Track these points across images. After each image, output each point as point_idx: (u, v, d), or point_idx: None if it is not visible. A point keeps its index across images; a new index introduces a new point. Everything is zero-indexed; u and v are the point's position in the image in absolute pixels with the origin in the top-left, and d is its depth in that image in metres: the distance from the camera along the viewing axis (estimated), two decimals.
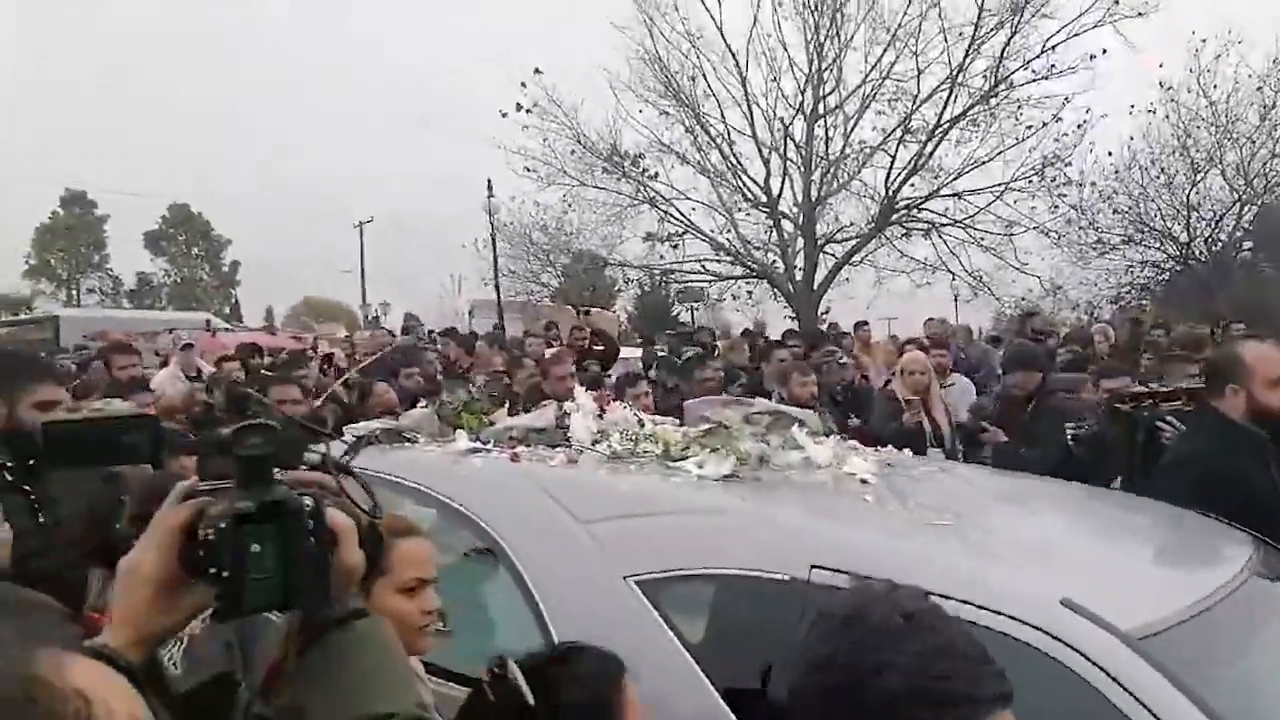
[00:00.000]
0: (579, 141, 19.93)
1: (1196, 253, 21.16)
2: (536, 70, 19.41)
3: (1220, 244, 21.20)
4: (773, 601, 2.00)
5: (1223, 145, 19.75)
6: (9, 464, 2.74)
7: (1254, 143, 19.53)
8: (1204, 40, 18.78)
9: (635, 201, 20.74)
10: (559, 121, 19.71)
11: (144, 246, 52.43)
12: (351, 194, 70.49)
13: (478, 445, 2.98)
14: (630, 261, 22.42)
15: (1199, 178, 20.29)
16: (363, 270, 41.97)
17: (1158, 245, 21.48)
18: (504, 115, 19.47)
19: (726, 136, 20.11)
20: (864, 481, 2.61)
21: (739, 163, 20.26)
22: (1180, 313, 18.59)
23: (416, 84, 73.90)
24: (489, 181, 24.17)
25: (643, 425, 3.09)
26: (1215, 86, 19.17)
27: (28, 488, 2.78)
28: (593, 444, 2.93)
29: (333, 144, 76.35)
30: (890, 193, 19.52)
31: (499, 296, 24.88)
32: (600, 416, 3.17)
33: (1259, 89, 19.04)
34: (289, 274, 55.61)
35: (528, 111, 19.52)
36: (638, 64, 19.75)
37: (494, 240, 23.64)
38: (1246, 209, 20.56)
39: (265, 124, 73.83)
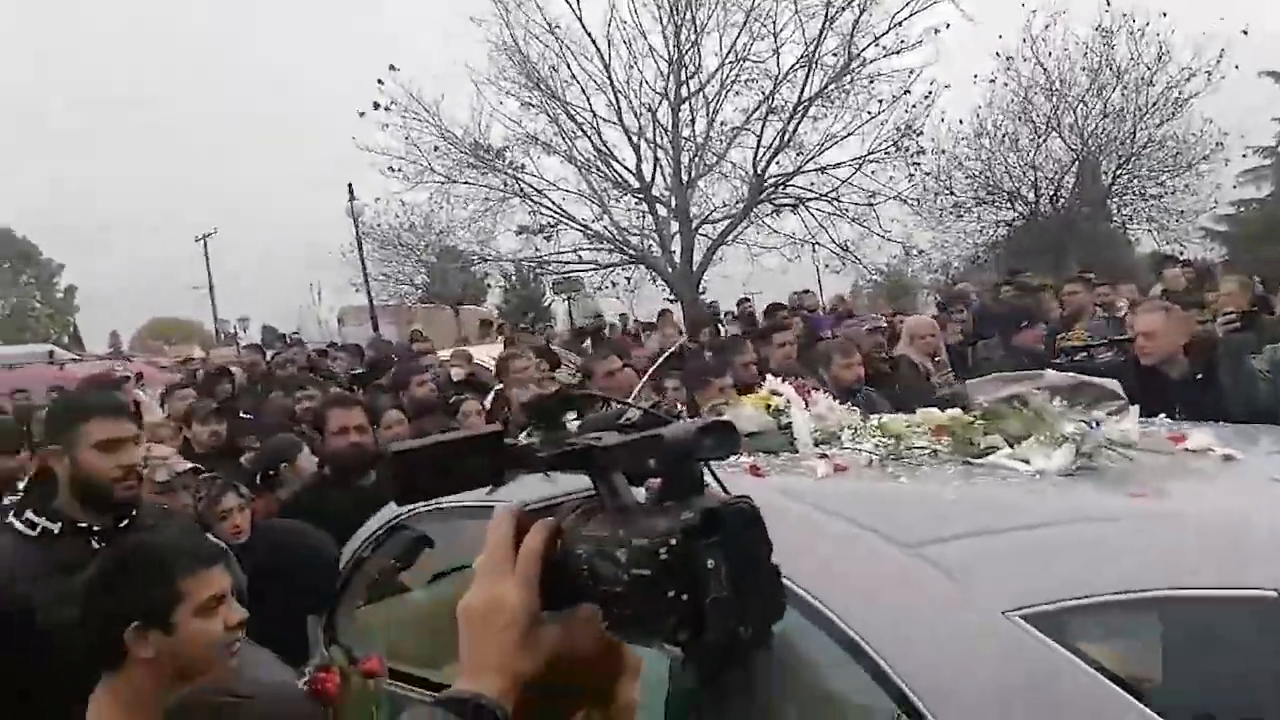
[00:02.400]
0: (443, 138, 19.44)
1: (1043, 210, 22.51)
2: (392, 67, 18.82)
3: (1063, 200, 22.59)
4: (1246, 626, 1.54)
5: (1059, 109, 21.07)
6: (93, 527, 2.36)
7: (1086, 105, 20.91)
8: (1034, 11, 19.99)
9: (505, 195, 20.42)
10: (420, 119, 19.17)
11: None
12: (198, 207, 66.54)
13: None
14: (504, 255, 22.10)
15: (1041, 140, 21.62)
16: (211, 285, 39.75)
17: (1008, 205, 22.76)
18: (362, 115, 18.80)
19: (593, 124, 20.04)
20: (1227, 458, 2.07)
21: (608, 150, 20.23)
22: (1029, 267, 19.80)
23: (269, 86, 70.44)
24: (349, 185, 23.26)
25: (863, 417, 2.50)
26: (1050, 54, 20.44)
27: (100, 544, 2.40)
28: (817, 444, 2.37)
29: (176, 157, 71.90)
30: (758, 171, 19.89)
31: (371, 301, 24.08)
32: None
33: (1085, 54, 20.40)
34: (133, 296, 52.05)
35: (386, 109, 18.91)
36: (498, 56, 19.43)
37: (360, 244, 22.82)
38: (1084, 167, 21.97)
39: (96, 139, 68.95)
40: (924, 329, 5.81)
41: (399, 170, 19.42)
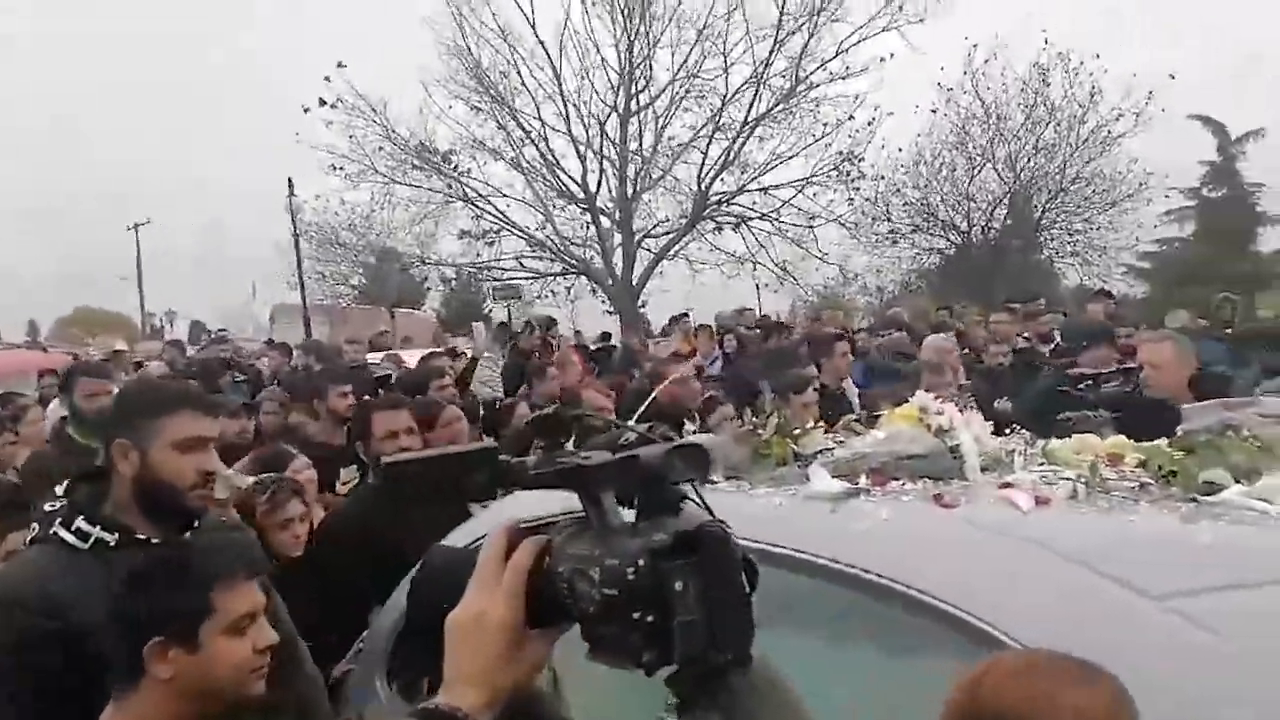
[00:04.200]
0: (388, 138, 19.25)
1: (975, 240, 23.13)
2: (340, 64, 18.60)
3: (994, 231, 23.25)
4: None
5: (994, 142, 21.71)
6: (151, 538, 2.02)
7: (1020, 139, 21.59)
8: (975, 45, 20.59)
9: (449, 198, 20.29)
10: (366, 117, 18.96)
11: None
12: (132, 195, 64.46)
13: (845, 484, 2.03)
14: (445, 259, 21.92)
15: (976, 171, 22.24)
16: (140, 276, 38.54)
17: (942, 234, 23.34)
18: (306, 111, 18.54)
19: (541, 132, 20.05)
20: None
21: (554, 158, 20.25)
22: (959, 295, 20.35)
23: (213, 71, 68.63)
24: (289, 180, 22.80)
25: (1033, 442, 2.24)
26: (988, 89, 21.07)
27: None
28: (983, 469, 2.10)
29: (115, 142, 69.69)
30: (702, 188, 20.09)
31: (304, 300, 23.61)
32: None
33: (1022, 90, 21.07)
34: (55, 285, 50.17)
35: (332, 107, 18.67)
36: (449, 59, 19.32)
37: (297, 242, 22.37)
38: (1016, 200, 22.65)
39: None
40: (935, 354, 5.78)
41: (341, 168, 19.19)
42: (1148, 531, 1.70)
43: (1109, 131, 20.80)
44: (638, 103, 19.94)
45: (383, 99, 18.91)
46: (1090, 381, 3.76)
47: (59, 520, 1.98)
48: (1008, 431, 2.23)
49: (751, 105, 19.47)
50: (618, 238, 20.48)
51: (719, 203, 20.56)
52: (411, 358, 8.85)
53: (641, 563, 0.76)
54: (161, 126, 75.36)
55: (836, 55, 19.06)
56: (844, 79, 19.18)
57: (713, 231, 21.14)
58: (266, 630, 1.74)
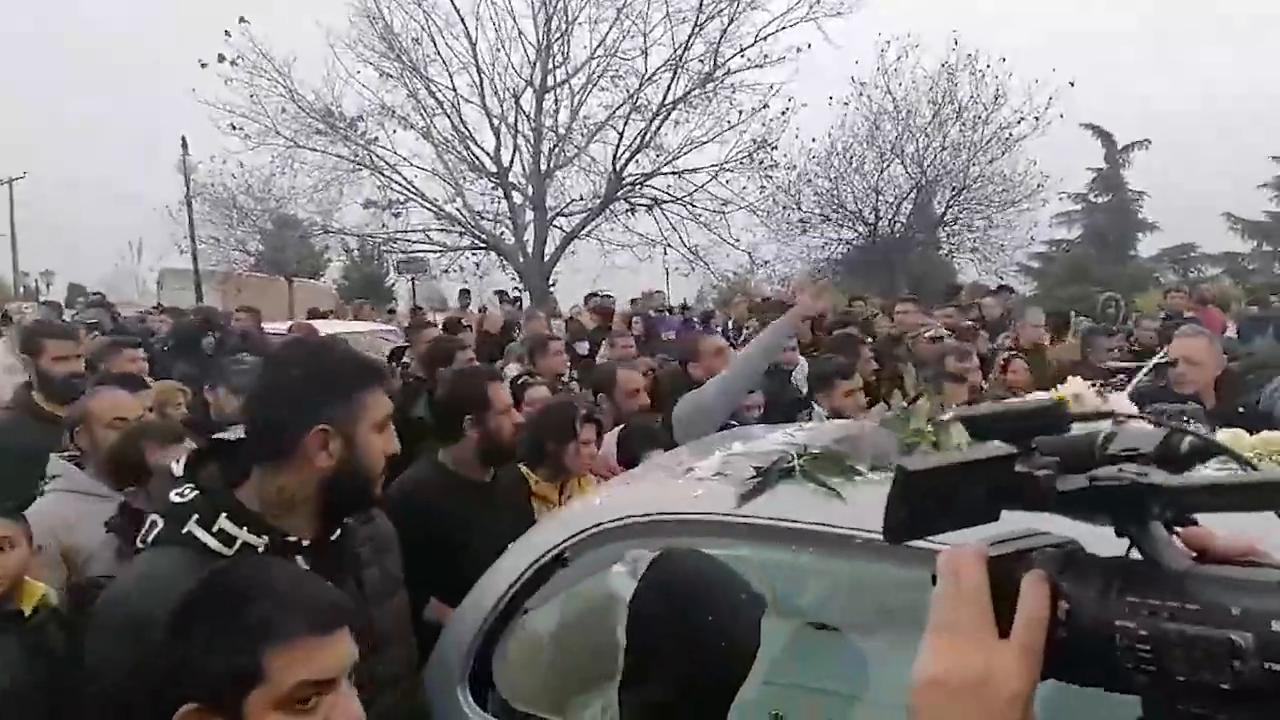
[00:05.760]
0: (292, 99, 18.41)
1: (881, 232, 23.67)
2: (242, 19, 17.66)
3: (900, 225, 23.84)
4: None
5: (903, 138, 22.22)
6: (301, 540, 1.67)
7: (928, 136, 22.14)
8: (889, 42, 21.00)
9: (355, 166, 19.57)
10: (269, 77, 18.08)
11: None
12: (7, 147, 60.03)
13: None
14: (348, 229, 21.17)
15: (885, 165, 22.75)
16: (13, 234, 36.09)
17: (850, 225, 23.81)
18: (204, 66, 17.53)
19: (455, 104, 19.51)
20: None
21: (467, 130, 19.76)
22: (864, 285, 20.87)
23: (102, 21, 64.22)
24: (184, 138, 21.61)
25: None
26: (900, 85, 21.54)
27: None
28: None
29: None
30: (617, 168, 19.92)
31: (196, 266, 22.48)
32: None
33: (931, 88, 21.59)
34: None
35: (232, 64, 17.72)
36: (359, 20, 18.58)
37: (190, 203, 21.23)
38: (921, 195, 23.26)
39: None
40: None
41: (240, 129, 18.27)
42: None
43: (1010, 134, 21.51)
44: (554, 79, 19.63)
45: (287, 59, 18.08)
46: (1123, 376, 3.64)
47: (194, 517, 1.58)
48: None
49: (669, 88, 19.40)
50: (529, 214, 20.14)
51: (633, 184, 20.42)
52: (324, 329, 8.48)
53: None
54: (41, 78, 70.64)
55: (755, 43, 19.13)
56: (761, 67, 19.26)
57: (626, 213, 21.02)
58: (346, 702, 1.25)
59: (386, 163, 19.61)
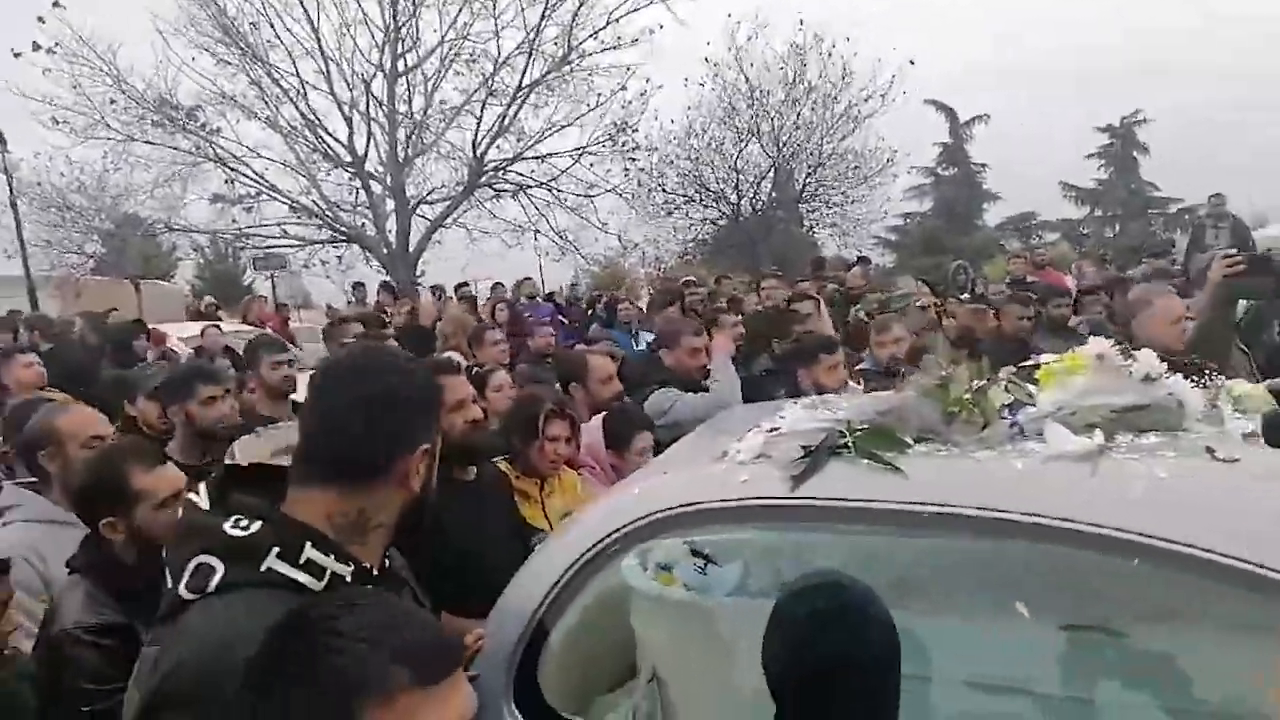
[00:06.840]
0: (120, 89, 17.28)
1: (743, 211, 24.16)
2: (56, 3, 16.42)
3: (761, 203, 24.38)
4: None
5: (758, 117, 22.70)
6: (373, 567, 1.50)
7: (782, 115, 22.69)
8: (739, 23, 21.38)
9: (197, 159, 18.56)
10: (91, 65, 16.92)
11: None
12: None
13: (1092, 441, 1.71)
14: (196, 226, 20.11)
15: (742, 145, 23.20)
16: None
17: (713, 204, 24.21)
18: (17, 55, 16.26)
19: (301, 91, 18.73)
20: None
21: (316, 118, 19.01)
22: (729, 263, 21.29)
23: None
24: (0, 134, 19.99)
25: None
26: (751, 65, 21.96)
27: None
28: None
29: None
30: (478, 154, 19.60)
31: (28, 270, 20.90)
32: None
33: (782, 68, 22.13)
34: None
35: (49, 52, 16.49)
36: (188, 4, 17.57)
37: (14, 205, 19.70)
38: (779, 173, 23.83)
39: None
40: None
41: (65, 122, 17.05)
42: None
43: (859, 111, 22.29)
44: (405, 63, 19.09)
45: (111, 46, 16.97)
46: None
47: (274, 550, 1.37)
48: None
49: (524, 71, 19.18)
50: (390, 204, 19.60)
51: (496, 169, 20.14)
52: (174, 332, 8.07)
53: None
54: None
55: (607, 25, 19.10)
56: (615, 49, 19.26)
57: (491, 199, 20.72)
58: None
59: (233, 154, 18.68)
